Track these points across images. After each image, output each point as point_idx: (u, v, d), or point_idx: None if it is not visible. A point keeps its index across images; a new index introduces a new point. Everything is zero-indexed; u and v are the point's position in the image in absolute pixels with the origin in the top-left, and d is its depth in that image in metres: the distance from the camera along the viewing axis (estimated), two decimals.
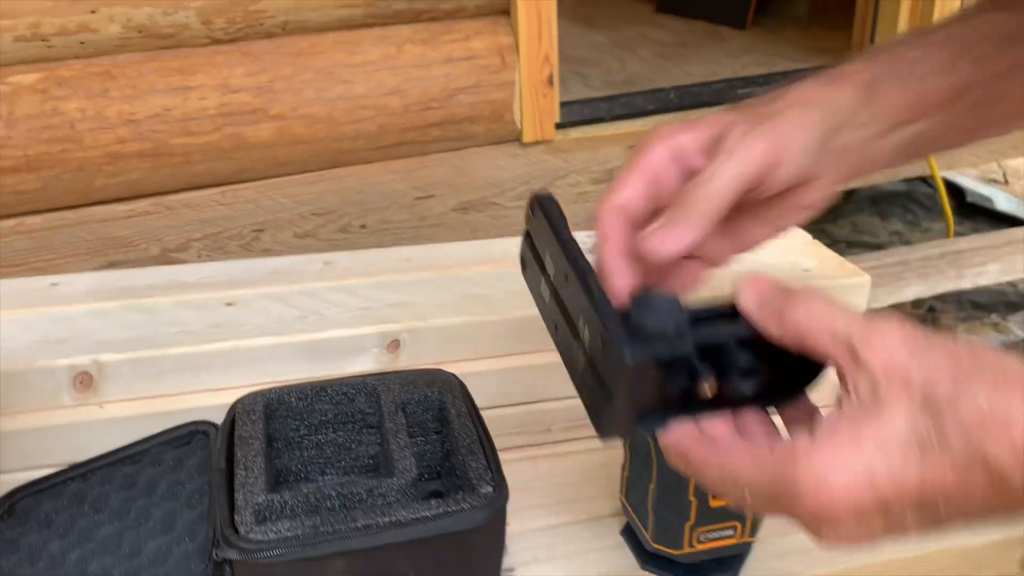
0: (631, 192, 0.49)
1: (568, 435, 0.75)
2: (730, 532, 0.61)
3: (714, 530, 0.61)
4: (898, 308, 2.06)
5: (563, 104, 1.63)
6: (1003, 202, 2.33)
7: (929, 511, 0.37)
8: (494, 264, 0.80)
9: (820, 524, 0.39)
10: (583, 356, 0.45)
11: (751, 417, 0.45)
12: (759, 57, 2.06)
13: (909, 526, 0.38)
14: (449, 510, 0.54)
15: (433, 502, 0.55)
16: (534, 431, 0.75)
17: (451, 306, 0.73)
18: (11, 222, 1.40)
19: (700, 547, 0.61)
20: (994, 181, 2.51)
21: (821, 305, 0.41)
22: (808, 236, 0.88)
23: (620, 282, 0.47)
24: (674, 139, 0.50)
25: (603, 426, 0.44)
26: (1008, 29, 0.55)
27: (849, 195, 2.41)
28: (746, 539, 0.62)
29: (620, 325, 0.42)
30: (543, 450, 0.74)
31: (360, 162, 1.54)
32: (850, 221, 2.35)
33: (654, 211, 0.49)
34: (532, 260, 0.52)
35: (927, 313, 2.06)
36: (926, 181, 2.37)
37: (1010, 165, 2.58)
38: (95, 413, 0.66)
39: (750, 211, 0.52)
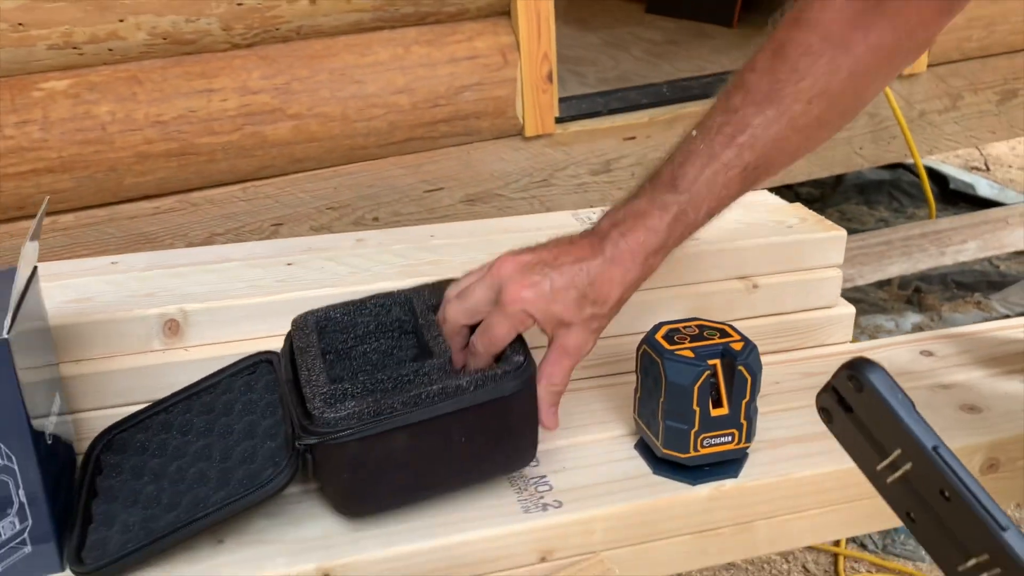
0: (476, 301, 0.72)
1: (584, 374, 0.88)
2: (728, 439, 0.74)
3: (715, 436, 0.74)
4: (884, 287, 2.20)
5: (562, 100, 1.76)
6: (985, 188, 2.47)
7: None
8: (509, 232, 0.93)
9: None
10: (980, 572, 0.47)
11: None
12: (746, 53, 2.19)
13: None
14: (488, 375, 0.67)
15: (473, 373, 0.68)
16: None
17: (479, 262, 0.85)
18: (46, 220, 1.52)
19: (704, 451, 0.74)
20: (976, 169, 2.65)
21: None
22: (780, 200, 1.02)
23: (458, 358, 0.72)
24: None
25: None
26: (761, 92, 0.72)
27: (836, 184, 2.55)
28: (742, 445, 0.75)
29: None
30: None
31: (372, 158, 1.67)
32: (838, 209, 2.49)
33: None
34: (848, 422, 0.52)
35: (913, 293, 2.20)
36: (910, 169, 2.51)
37: (991, 153, 2.73)
38: (181, 355, 0.78)
39: None
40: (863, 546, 1.57)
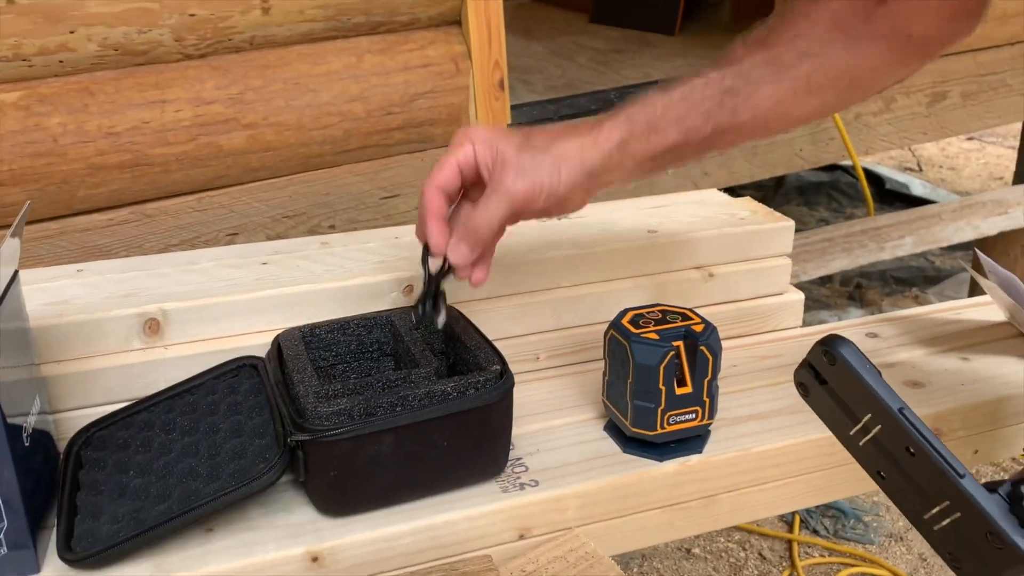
0: (448, 175, 0.73)
1: (553, 362, 0.92)
2: (693, 416, 0.79)
3: (680, 414, 0.78)
4: (827, 284, 2.28)
5: (513, 107, 1.81)
6: (918, 188, 2.58)
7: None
8: None
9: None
10: (945, 520, 0.53)
11: None
12: (688, 60, 2.28)
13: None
14: (471, 382, 0.71)
15: (456, 378, 0.72)
16: (526, 360, 0.91)
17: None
18: None
19: (670, 428, 0.78)
20: (910, 169, 2.76)
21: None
22: (730, 197, 1.07)
23: (439, 240, 0.73)
24: (477, 144, 0.73)
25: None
26: (725, 86, 0.74)
27: (778, 186, 2.64)
28: (706, 422, 0.80)
29: (1008, 519, 0.51)
30: (532, 375, 0.91)
31: (328, 166, 1.69)
32: (780, 210, 2.57)
33: (460, 188, 0.75)
34: (823, 393, 0.58)
35: (855, 289, 2.28)
36: (847, 171, 2.61)
37: (923, 155, 2.84)
38: (162, 354, 0.80)
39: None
40: (815, 532, 1.63)
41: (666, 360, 0.76)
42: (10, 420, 0.64)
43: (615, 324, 0.80)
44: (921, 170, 2.75)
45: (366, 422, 0.69)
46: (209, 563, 0.68)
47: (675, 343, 0.77)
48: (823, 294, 2.27)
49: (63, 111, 1.49)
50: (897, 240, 1.89)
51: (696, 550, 1.59)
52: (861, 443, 0.57)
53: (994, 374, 0.92)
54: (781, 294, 1.01)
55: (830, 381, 0.57)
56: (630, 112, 0.74)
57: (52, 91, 1.49)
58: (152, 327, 0.80)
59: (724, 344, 0.95)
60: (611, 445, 0.82)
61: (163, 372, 0.80)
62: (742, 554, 1.58)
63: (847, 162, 2.72)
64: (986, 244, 2.09)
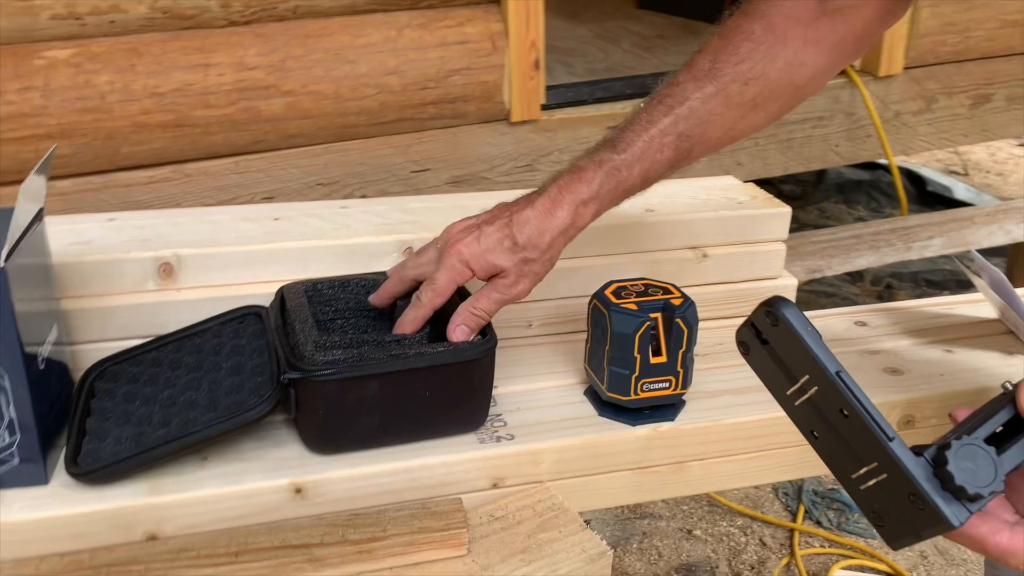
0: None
1: (544, 331, 0.98)
2: (666, 384, 0.84)
3: (654, 382, 0.83)
4: (858, 281, 2.30)
5: (549, 88, 1.85)
6: (961, 192, 2.57)
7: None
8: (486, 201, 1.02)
9: None
10: (871, 480, 0.57)
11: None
12: None
13: None
14: (456, 347, 0.77)
15: (443, 343, 0.77)
16: (519, 326, 0.97)
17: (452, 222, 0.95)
18: None
19: (643, 395, 0.83)
20: (955, 173, 2.75)
21: None
22: (737, 181, 1.11)
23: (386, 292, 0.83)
24: (473, 265, 0.80)
25: (894, 539, 0.57)
26: (679, 131, 0.80)
27: (818, 182, 2.65)
28: (679, 391, 0.85)
29: (931, 481, 0.54)
30: (523, 341, 0.96)
31: (362, 136, 1.76)
32: (818, 207, 2.59)
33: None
34: (764, 353, 0.61)
35: (884, 290, 2.29)
36: (889, 170, 2.61)
37: (971, 158, 2.82)
38: (174, 296, 0.87)
39: None
40: (819, 523, 1.67)
41: (642, 330, 0.81)
42: (26, 347, 0.71)
43: (598, 294, 0.85)
44: (967, 174, 2.73)
45: (353, 366, 0.75)
46: (200, 488, 0.75)
47: (652, 315, 0.82)
48: (852, 292, 2.29)
49: (112, 70, 1.57)
50: (926, 241, 1.90)
51: (697, 532, 1.63)
52: (797, 403, 0.61)
53: (975, 367, 0.95)
54: (775, 278, 1.04)
55: (771, 341, 0.60)
56: (602, 184, 0.80)
57: (102, 50, 1.57)
58: (166, 270, 0.87)
59: (714, 323, 1.00)
60: (588, 408, 0.87)
61: (174, 313, 0.87)
62: (743, 539, 1.62)
63: (886, 160, 2.72)
64: (1020, 249, 2.09)
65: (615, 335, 0.82)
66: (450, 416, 0.81)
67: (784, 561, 1.57)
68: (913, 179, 2.59)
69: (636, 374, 0.82)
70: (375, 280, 0.88)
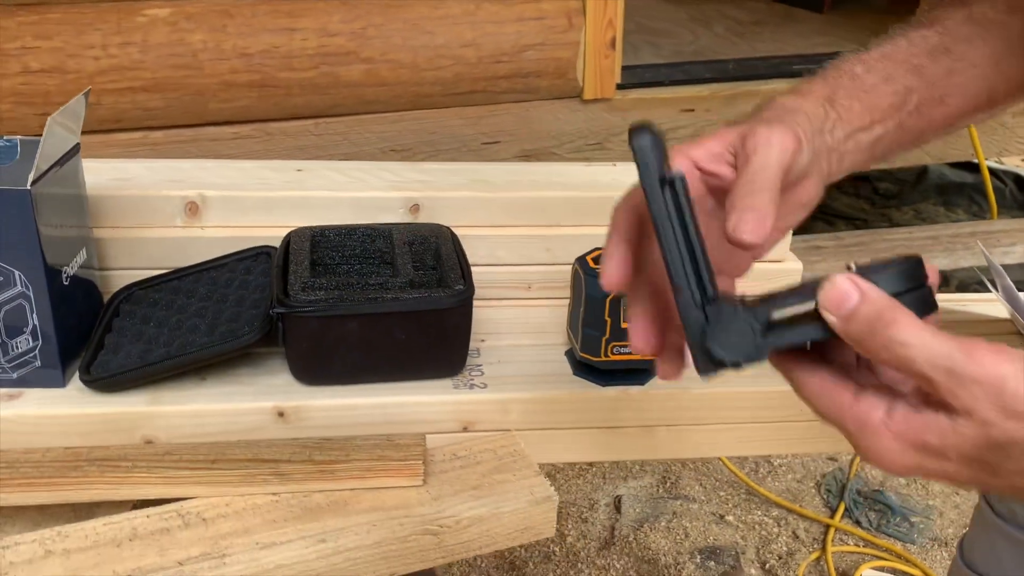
0: (708, 152, 0.59)
1: (542, 294, 1.03)
2: None
3: (624, 345, 0.88)
4: (942, 287, 2.25)
5: (626, 67, 1.89)
6: None
7: (990, 488, 0.55)
8: (501, 164, 1.09)
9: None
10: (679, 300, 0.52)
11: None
12: (830, 39, 2.28)
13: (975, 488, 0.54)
14: (430, 295, 0.84)
15: (420, 290, 0.85)
16: (517, 287, 1.03)
17: (462, 185, 1.02)
18: (138, 134, 1.76)
19: (613, 357, 0.88)
20: None
21: (900, 341, 0.46)
22: None
23: (613, 265, 0.57)
24: (689, 152, 0.59)
25: (698, 368, 0.53)
26: (932, 44, 0.70)
27: (917, 182, 2.59)
28: (648, 356, 0.89)
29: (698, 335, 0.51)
30: (520, 302, 1.03)
31: (436, 106, 1.84)
32: (914, 208, 2.54)
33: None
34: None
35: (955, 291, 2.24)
36: (997, 174, 2.53)
37: None
38: (198, 233, 0.97)
39: None
40: (858, 522, 1.67)
41: (611, 295, 0.86)
42: (50, 264, 0.82)
43: (580, 259, 0.90)
44: None
45: (334, 305, 0.83)
46: (194, 403, 0.85)
47: None
48: (941, 297, 2.24)
49: (205, 29, 1.70)
50: (1007, 247, 1.85)
51: (730, 518, 1.65)
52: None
53: None
54: (780, 261, 1.07)
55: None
56: (824, 73, 0.67)
57: (197, 10, 1.70)
58: (192, 209, 0.97)
59: None
60: (565, 367, 0.93)
61: (197, 249, 0.97)
62: (776, 529, 1.64)
63: (1002, 164, 2.63)
64: None
65: (588, 298, 0.87)
66: (426, 360, 0.88)
67: (814, 556, 1.58)
68: (1019, 182, 2.50)
69: (607, 336, 0.88)
70: (379, 231, 0.95)
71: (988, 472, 0.48)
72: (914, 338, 0.46)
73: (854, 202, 2.54)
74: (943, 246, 1.86)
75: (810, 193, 0.62)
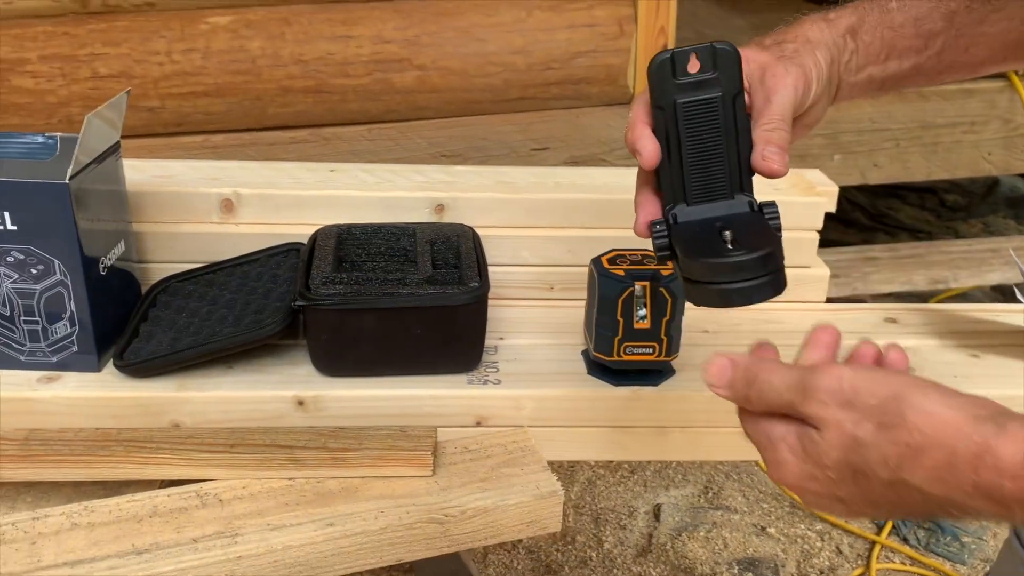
0: None
1: (563, 295, 1.06)
2: (650, 350, 0.90)
3: (637, 346, 0.90)
4: (1009, 296, 2.19)
5: None
6: None
7: (879, 510, 0.55)
8: (526, 168, 1.12)
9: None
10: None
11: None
12: None
13: (870, 514, 0.57)
14: (445, 291, 0.88)
15: (436, 286, 0.88)
16: (539, 287, 1.06)
17: (486, 187, 1.05)
18: (199, 137, 1.83)
19: (627, 358, 0.90)
20: None
21: (766, 383, 0.56)
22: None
23: (649, 145, 0.71)
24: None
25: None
26: None
27: (987, 194, 2.54)
28: (663, 358, 0.91)
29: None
30: (542, 302, 1.05)
31: (486, 112, 1.88)
32: (983, 220, 2.48)
33: None
34: None
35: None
36: None
37: None
38: (232, 229, 1.03)
39: None
40: (905, 540, 1.64)
41: (624, 294, 0.88)
42: (87, 254, 0.87)
43: (595, 259, 0.93)
44: None
45: (352, 299, 0.87)
46: (219, 390, 0.89)
47: (640, 283, 0.89)
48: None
49: (263, 36, 1.77)
50: None
51: (772, 530, 1.65)
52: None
53: (996, 373, 0.95)
54: (807, 267, 1.08)
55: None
56: (857, 4, 0.74)
57: (257, 18, 1.78)
58: (227, 206, 1.02)
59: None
60: (580, 366, 0.95)
61: (232, 244, 1.02)
62: (819, 543, 1.62)
63: None
64: None
65: (601, 298, 0.90)
66: (441, 355, 0.91)
67: (857, 572, 1.57)
68: None
69: (619, 336, 0.90)
70: (404, 229, 0.99)
71: (864, 481, 0.52)
72: (774, 376, 0.56)
73: (919, 213, 2.50)
74: (1004, 259, 1.83)
75: (816, 116, 0.73)
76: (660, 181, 0.73)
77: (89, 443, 0.85)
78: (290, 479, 0.84)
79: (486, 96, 1.85)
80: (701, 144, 0.70)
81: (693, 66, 0.69)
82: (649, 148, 0.71)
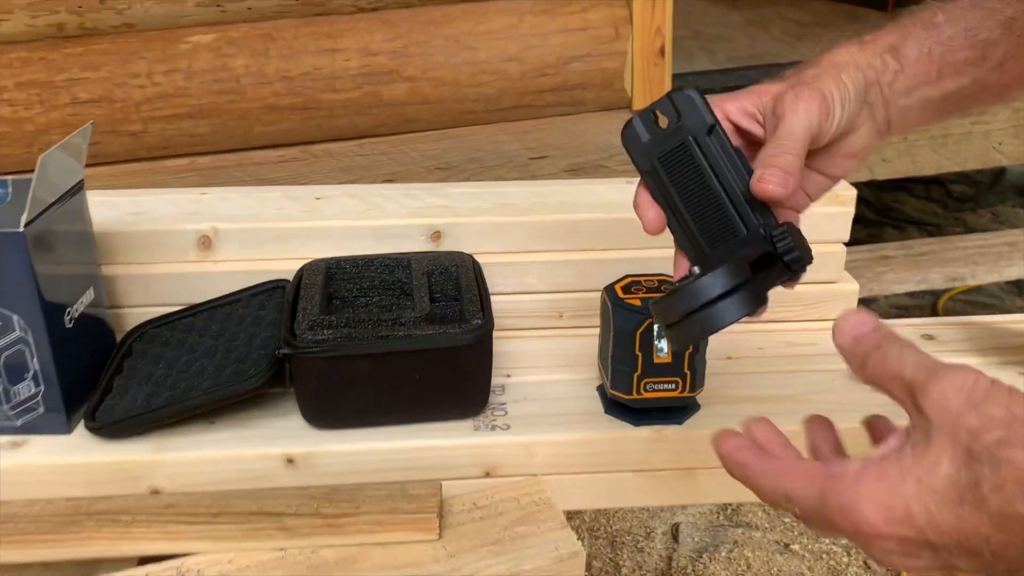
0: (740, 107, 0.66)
1: (574, 322, 0.96)
2: (672, 386, 0.81)
3: (658, 382, 0.80)
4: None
5: (677, 75, 1.81)
6: None
7: (975, 558, 0.42)
8: (527, 184, 1.02)
9: (865, 544, 0.45)
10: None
11: (815, 430, 0.55)
12: None
13: (960, 566, 0.43)
14: (445, 331, 0.77)
15: (435, 325, 0.78)
16: (547, 316, 0.96)
17: (485, 210, 0.95)
18: (184, 160, 1.73)
19: (647, 395, 0.81)
20: None
21: (896, 352, 0.46)
22: None
23: (651, 213, 0.67)
24: (723, 104, 0.66)
25: None
26: None
27: (993, 183, 2.44)
28: (687, 394, 0.81)
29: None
30: (552, 332, 0.95)
31: (480, 122, 1.78)
32: (991, 210, 2.39)
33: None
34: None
35: None
36: None
37: None
38: (211, 267, 0.93)
39: (808, 163, 0.65)
40: None
41: (642, 327, 0.78)
42: (49, 305, 0.77)
43: (608, 288, 0.83)
44: None
45: (342, 345, 0.77)
46: (200, 449, 0.79)
47: None
48: (1018, 306, 2.10)
49: (247, 54, 1.67)
50: None
51: (795, 547, 1.55)
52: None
53: None
54: (833, 283, 0.98)
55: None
56: (900, 20, 0.66)
57: (240, 35, 1.68)
58: (205, 243, 0.92)
59: (758, 326, 0.95)
60: (596, 404, 0.85)
61: (212, 283, 0.92)
62: (845, 559, 1.53)
63: None
64: None
65: (617, 331, 0.80)
66: (444, 400, 0.81)
67: None
68: None
69: (638, 373, 0.80)
70: (398, 260, 0.89)
71: (968, 511, 0.42)
72: (906, 350, 0.47)
73: (926, 205, 2.41)
74: (1022, 253, 1.73)
75: (860, 144, 0.66)
76: (677, 242, 0.68)
77: (58, 519, 0.75)
78: (280, 549, 0.74)
79: (480, 106, 1.75)
80: (692, 191, 0.66)
81: (663, 122, 0.67)
82: (649, 215, 0.67)
